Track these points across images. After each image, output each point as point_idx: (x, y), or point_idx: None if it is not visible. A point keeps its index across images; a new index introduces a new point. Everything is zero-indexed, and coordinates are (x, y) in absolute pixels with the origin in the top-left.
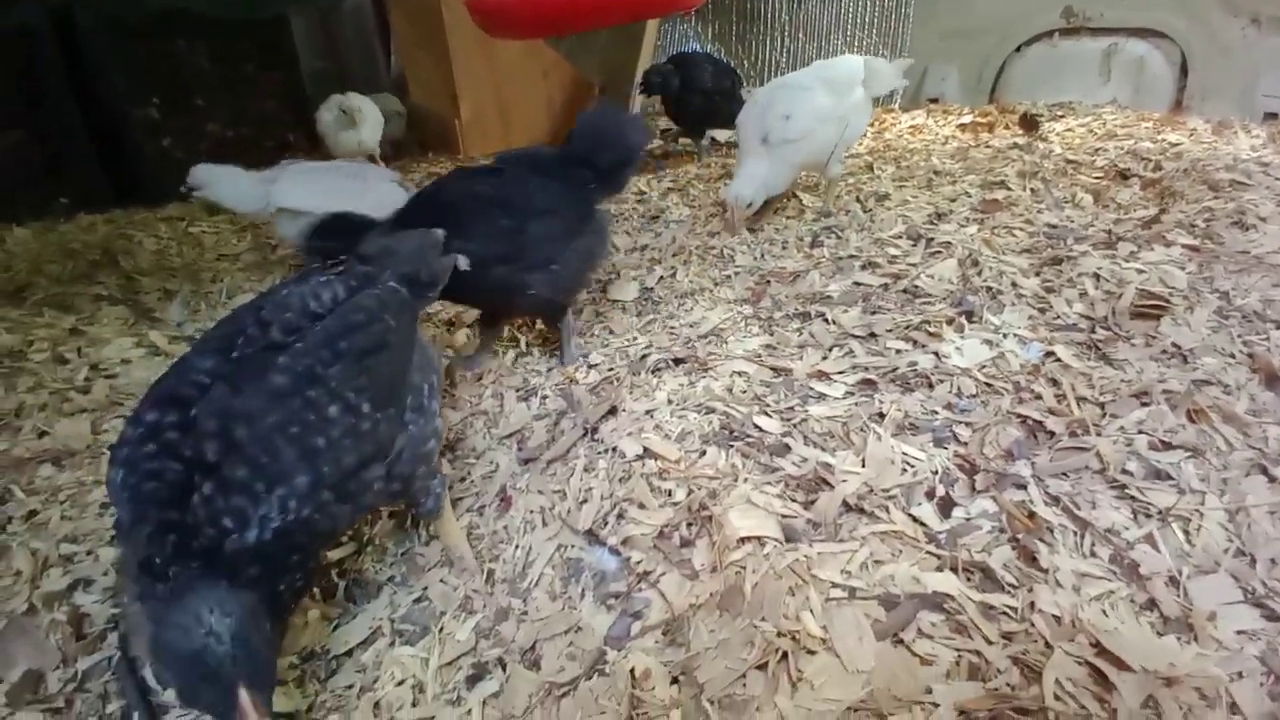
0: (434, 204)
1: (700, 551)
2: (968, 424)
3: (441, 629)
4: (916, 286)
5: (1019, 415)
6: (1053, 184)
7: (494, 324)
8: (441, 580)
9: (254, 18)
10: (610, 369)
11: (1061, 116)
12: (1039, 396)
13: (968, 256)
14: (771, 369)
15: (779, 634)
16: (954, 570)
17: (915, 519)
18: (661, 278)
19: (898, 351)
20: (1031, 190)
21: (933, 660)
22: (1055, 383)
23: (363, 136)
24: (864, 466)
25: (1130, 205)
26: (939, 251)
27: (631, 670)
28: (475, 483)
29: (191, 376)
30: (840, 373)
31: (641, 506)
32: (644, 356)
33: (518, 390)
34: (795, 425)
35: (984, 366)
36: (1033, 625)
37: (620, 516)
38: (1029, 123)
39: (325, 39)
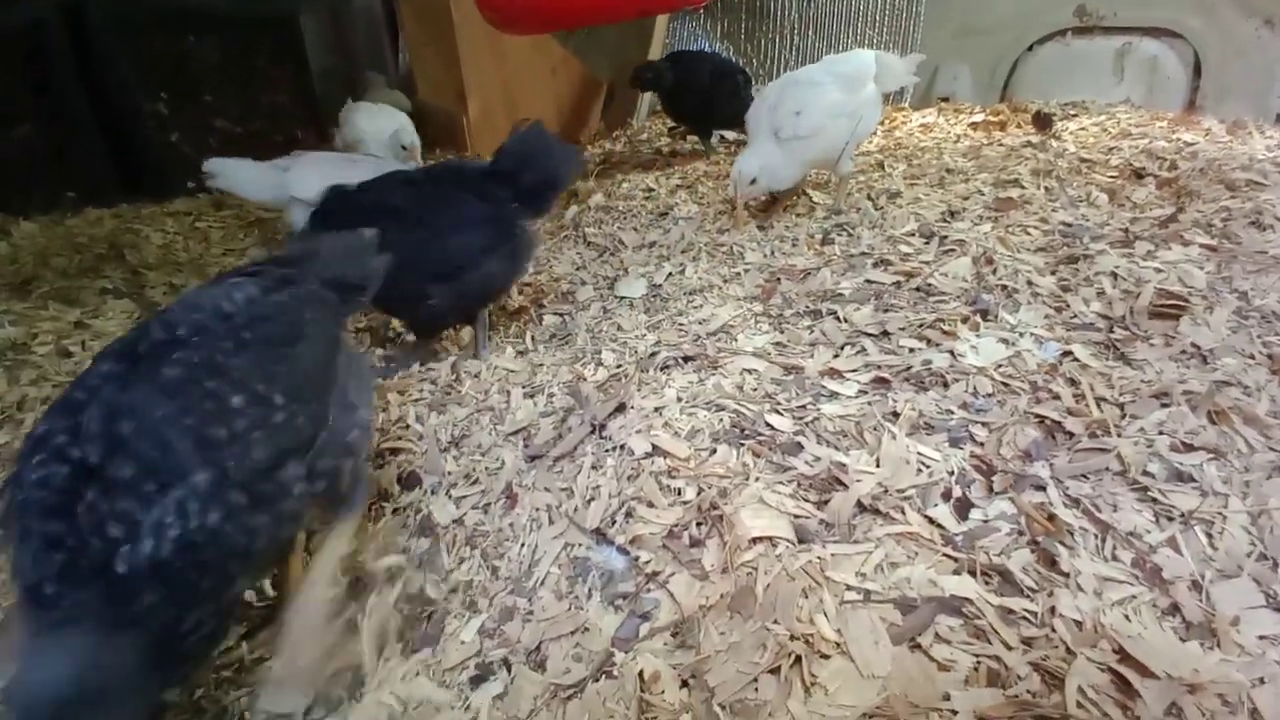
0: (350, 206)
1: (711, 552)
2: (984, 424)
3: (444, 629)
4: (930, 284)
5: (1037, 415)
6: (1067, 182)
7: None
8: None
9: (266, 14)
10: (619, 366)
11: (1074, 115)
12: (1057, 396)
13: (982, 254)
14: (782, 367)
15: (792, 637)
16: (972, 573)
17: (931, 520)
18: (670, 274)
19: (911, 350)
20: (1046, 189)
21: (951, 666)
22: (1073, 382)
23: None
24: (878, 466)
25: (1146, 204)
26: (952, 249)
27: (640, 672)
28: (481, 479)
29: (88, 381)
30: (853, 371)
31: (650, 505)
32: (653, 353)
33: (524, 386)
34: (807, 424)
35: (1000, 366)
36: (1053, 630)
37: (629, 515)
38: (1042, 121)
39: (335, 36)
